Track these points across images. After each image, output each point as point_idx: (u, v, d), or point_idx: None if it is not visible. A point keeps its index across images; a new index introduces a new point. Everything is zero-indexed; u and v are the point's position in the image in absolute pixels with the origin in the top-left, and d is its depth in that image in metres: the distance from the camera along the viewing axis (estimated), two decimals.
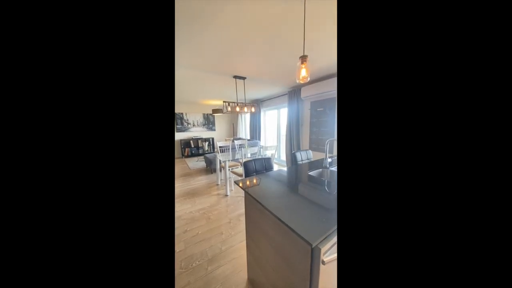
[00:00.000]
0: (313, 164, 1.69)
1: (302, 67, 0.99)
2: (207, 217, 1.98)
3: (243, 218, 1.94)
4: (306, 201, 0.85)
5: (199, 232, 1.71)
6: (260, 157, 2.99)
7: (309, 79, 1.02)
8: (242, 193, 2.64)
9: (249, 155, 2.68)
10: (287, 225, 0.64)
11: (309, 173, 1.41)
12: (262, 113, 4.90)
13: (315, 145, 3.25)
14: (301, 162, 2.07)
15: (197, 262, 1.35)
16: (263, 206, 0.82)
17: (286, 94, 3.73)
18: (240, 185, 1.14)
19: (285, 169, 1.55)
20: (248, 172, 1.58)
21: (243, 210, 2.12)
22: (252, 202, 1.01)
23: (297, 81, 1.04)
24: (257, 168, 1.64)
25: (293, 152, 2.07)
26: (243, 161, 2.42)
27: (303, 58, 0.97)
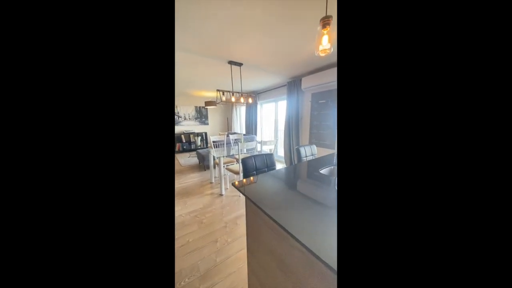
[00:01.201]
0: (320, 161, 1.48)
1: (323, 33, 0.75)
2: (200, 221, 1.74)
3: (240, 221, 1.72)
4: (332, 212, 0.63)
5: (190, 240, 1.47)
6: (259, 153, 2.76)
7: (332, 50, 0.78)
8: (239, 191, 2.41)
9: (245, 150, 2.44)
10: (323, 262, 0.41)
11: (321, 171, 1.20)
12: (258, 106, 4.64)
13: (316, 140, 3.05)
14: (305, 158, 1.86)
15: (186, 280, 1.12)
16: (284, 229, 0.58)
17: (285, 85, 3.48)
18: (237, 184, 0.90)
19: (288, 166, 1.33)
20: (247, 171, 1.34)
21: (240, 212, 1.89)
22: (255, 211, 0.78)
23: (316, 53, 0.80)
24: (257, 165, 1.41)
25: (296, 147, 1.85)
26: (241, 157, 2.18)
27: (326, 20, 0.73)
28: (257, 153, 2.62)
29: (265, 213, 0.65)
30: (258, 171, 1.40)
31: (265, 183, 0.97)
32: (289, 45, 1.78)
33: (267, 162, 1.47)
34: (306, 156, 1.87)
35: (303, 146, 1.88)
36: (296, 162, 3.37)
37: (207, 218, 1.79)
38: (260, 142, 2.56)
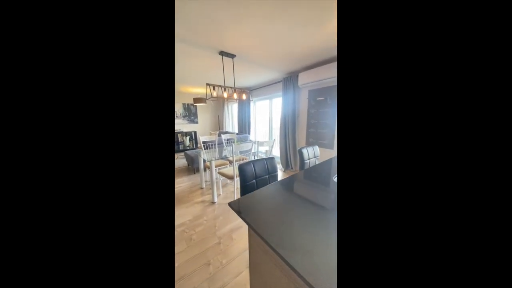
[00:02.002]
0: (329, 166, 1.29)
1: None
2: (189, 237, 1.49)
3: (236, 235, 1.50)
4: None
5: (177, 265, 1.22)
6: (254, 154, 2.51)
7: None
8: (233, 197, 2.18)
9: (238, 152, 2.20)
10: None
11: (334, 179, 1.01)
12: (251, 104, 4.40)
13: (314, 139, 2.90)
14: (308, 161, 1.67)
15: None
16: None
17: (280, 81, 3.27)
18: (233, 203, 0.67)
19: (295, 174, 1.12)
20: (246, 179, 1.12)
21: (235, 223, 1.67)
22: (264, 249, 0.56)
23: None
24: (257, 172, 1.19)
25: (299, 148, 1.65)
26: (236, 161, 1.93)
27: None
28: (252, 155, 2.40)
29: (283, 258, 0.43)
30: (258, 178, 1.19)
31: (270, 200, 0.76)
32: (288, 35, 1.57)
33: (268, 167, 1.26)
34: (309, 159, 1.68)
35: (306, 147, 1.70)
36: (296, 164, 3.20)
37: (198, 233, 1.55)
38: (256, 143, 2.34)
